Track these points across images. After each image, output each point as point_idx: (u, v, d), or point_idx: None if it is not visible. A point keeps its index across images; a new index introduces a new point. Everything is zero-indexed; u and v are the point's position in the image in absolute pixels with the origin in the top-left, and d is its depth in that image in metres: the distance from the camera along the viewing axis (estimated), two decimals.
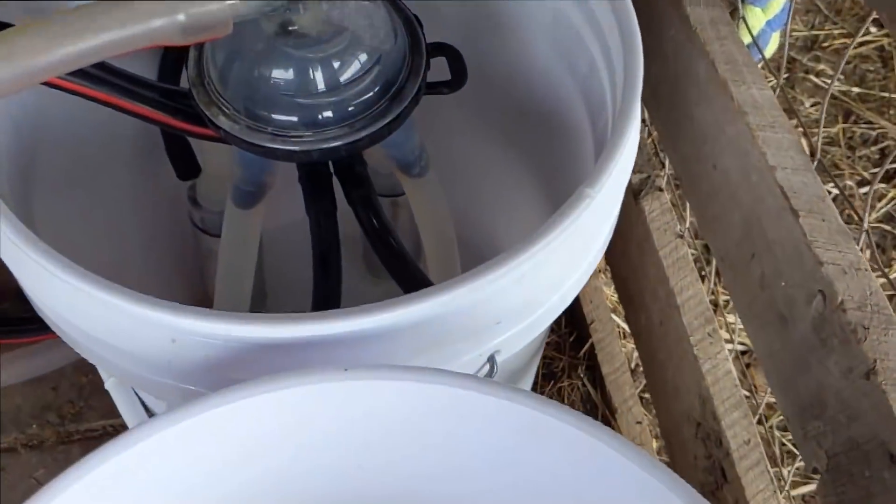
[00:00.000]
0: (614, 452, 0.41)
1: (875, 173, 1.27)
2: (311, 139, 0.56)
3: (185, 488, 0.45)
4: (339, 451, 0.47)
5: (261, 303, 0.83)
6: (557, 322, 0.96)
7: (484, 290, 0.47)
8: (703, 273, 0.81)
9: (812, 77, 1.37)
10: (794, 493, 0.96)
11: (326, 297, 0.59)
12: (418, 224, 0.70)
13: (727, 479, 0.71)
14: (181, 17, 0.47)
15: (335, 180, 0.62)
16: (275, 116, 0.56)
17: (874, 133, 1.32)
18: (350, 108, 0.56)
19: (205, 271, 0.80)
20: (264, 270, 0.81)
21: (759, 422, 0.72)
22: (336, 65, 0.55)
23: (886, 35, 1.40)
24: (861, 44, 1.40)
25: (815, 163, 0.59)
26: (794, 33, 1.41)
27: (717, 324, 0.75)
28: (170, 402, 0.55)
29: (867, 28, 1.31)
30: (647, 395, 1.02)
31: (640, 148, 0.60)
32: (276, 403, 0.43)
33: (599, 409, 0.99)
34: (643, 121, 0.80)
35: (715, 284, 0.84)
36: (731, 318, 1.06)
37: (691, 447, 0.75)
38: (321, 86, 0.55)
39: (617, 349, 1.00)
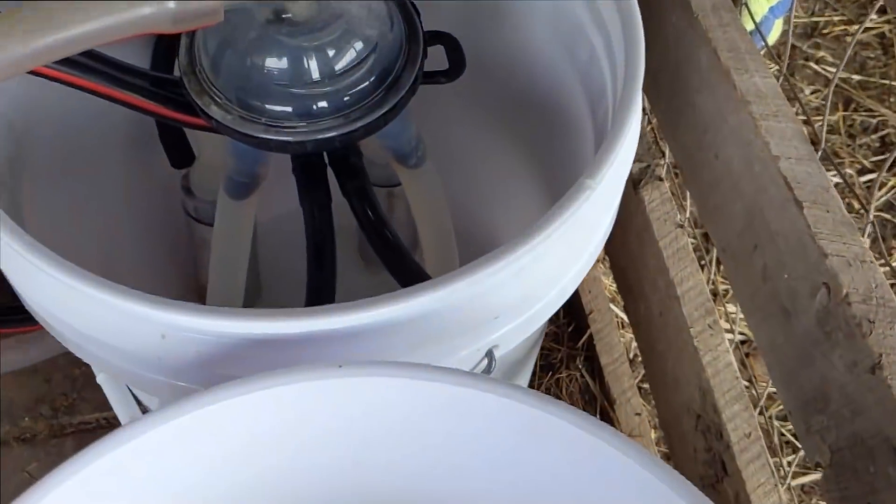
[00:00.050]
0: (615, 451, 0.40)
1: (876, 162, 1.27)
2: (305, 130, 0.55)
3: (182, 486, 0.45)
4: (336, 449, 0.46)
5: (256, 296, 0.82)
6: (556, 312, 0.95)
7: (482, 284, 0.46)
8: (703, 262, 0.80)
9: (812, 64, 1.36)
10: (793, 483, 0.96)
11: (320, 290, 0.58)
12: (415, 216, 0.69)
13: (727, 473, 0.70)
14: (171, 4, 0.46)
15: (330, 171, 0.61)
16: (268, 106, 0.55)
17: (874, 121, 1.31)
18: (345, 98, 0.55)
19: (198, 261, 0.79)
20: (259, 262, 0.80)
21: (760, 412, 0.72)
22: (331, 53, 0.54)
23: (887, 22, 1.39)
24: (862, 30, 1.39)
25: (819, 152, 0.58)
26: (794, 20, 1.39)
27: (717, 315, 0.74)
28: (162, 399, 0.54)
29: (868, 14, 1.30)
30: (645, 386, 1.01)
31: (639, 137, 0.59)
32: (269, 401, 0.42)
33: (598, 400, 0.98)
34: (643, 109, 0.79)
35: (714, 274, 0.83)
36: (730, 308, 1.05)
37: (691, 439, 0.75)
38: (315, 75, 0.54)
39: (615, 340, 0.99)
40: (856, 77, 1.35)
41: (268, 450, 0.45)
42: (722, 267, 0.68)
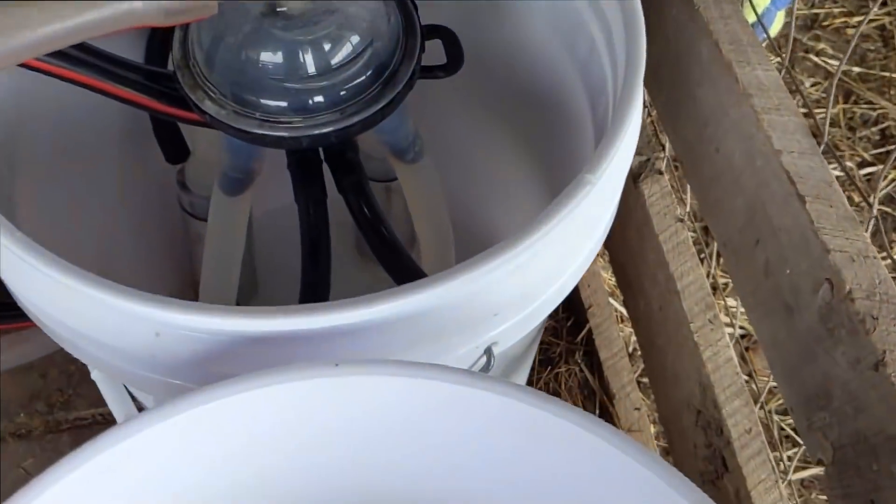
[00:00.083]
0: (615, 450, 0.40)
1: (876, 154, 1.26)
2: (300, 125, 0.54)
3: (181, 485, 0.44)
4: (335, 448, 0.46)
5: (252, 292, 0.82)
6: None
7: (480, 281, 0.45)
8: (703, 256, 0.80)
9: (812, 56, 1.35)
10: (793, 477, 0.96)
11: (315, 287, 0.58)
12: (412, 212, 0.69)
13: (728, 469, 0.70)
14: None
15: (325, 167, 0.60)
16: (263, 101, 0.54)
17: (874, 114, 1.31)
18: (341, 93, 0.55)
19: (194, 256, 0.79)
20: (255, 258, 0.79)
21: (760, 407, 0.71)
22: (326, 47, 0.54)
23: (888, 14, 1.38)
24: (861, 23, 1.38)
25: (822, 146, 0.57)
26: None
27: (717, 310, 0.74)
28: (157, 397, 0.53)
29: (868, 6, 1.29)
30: (645, 380, 1.01)
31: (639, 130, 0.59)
32: (265, 400, 0.42)
33: (597, 395, 0.98)
34: (643, 102, 0.78)
35: (714, 268, 0.82)
36: (731, 302, 1.05)
37: (691, 435, 0.75)
38: (311, 69, 0.54)
39: (615, 334, 0.99)
40: (856, 69, 1.34)
41: (266, 449, 0.45)
42: (722, 260, 0.68)
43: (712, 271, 0.82)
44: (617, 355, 0.98)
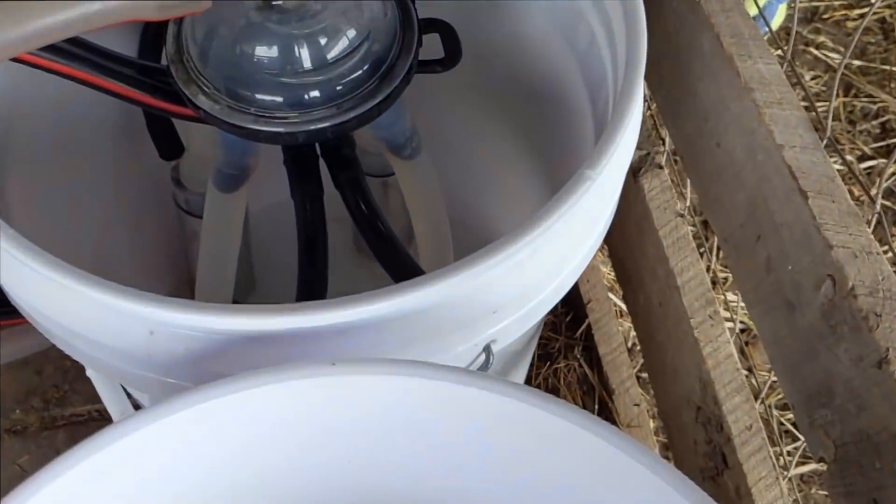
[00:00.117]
0: (617, 451, 0.40)
1: (877, 148, 1.25)
2: (296, 120, 0.54)
3: (181, 485, 0.44)
4: (333, 448, 0.46)
5: (250, 288, 0.81)
6: None
7: (479, 278, 0.45)
8: (702, 250, 0.79)
9: (812, 49, 1.34)
10: (793, 472, 0.95)
11: (312, 284, 0.57)
12: (409, 208, 0.68)
13: (728, 465, 0.69)
14: None
15: (322, 162, 0.59)
16: (258, 96, 0.54)
17: (875, 107, 1.30)
18: (338, 88, 0.54)
19: (190, 253, 0.78)
20: (251, 254, 0.79)
21: (761, 402, 0.71)
22: (322, 41, 0.53)
23: (888, 6, 1.37)
24: (862, 15, 1.37)
25: (825, 141, 0.56)
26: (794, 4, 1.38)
27: (717, 305, 0.73)
28: (152, 395, 0.53)
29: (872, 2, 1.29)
30: (644, 375, 1.00)
31: None
32: (260, 400, 0.42)
33: (596, 390, 0.97)
34: (643, 96, 0.78)
35: (713, 262, 0.82)
36: (730, 297, 1.05)
37: (691, 431, 0.74)
38: (307, 64, 0.53)
39: (614, 329, 0.98)
40: (856, 62, 1.34)
41: (266, 449, 0.45)
42: (722, 255, 0.67)
43: (713, 266, 0.82)
44: (616, 350, 0.98)
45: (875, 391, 0.49)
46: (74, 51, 0.53)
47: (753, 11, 0.66)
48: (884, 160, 1.24)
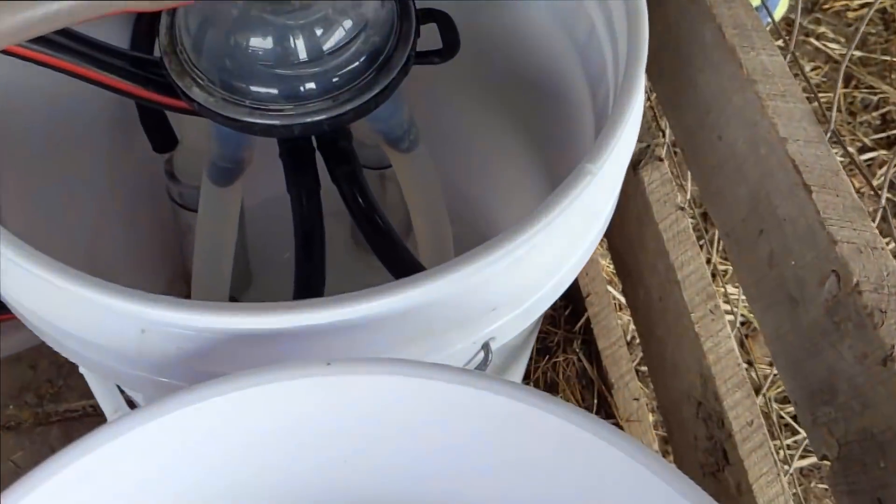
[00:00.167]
0: (620, 453, 0.39)
1: (877, 140, 1.25)
2: (292, 113, 0.53)
3: (181, 485, 0.44)
4: (333, 449, 0.45)
5: (246, 283, 0.80)
6: None
7: (479, 274, 0.44)
8: (702, 242, 0.78)
9: (812, 40, 1.33)
10: (794, 467, 0.95)
11: (309, 279, 0.56)
12: (408, 202, 0.67)
13: (729, 462, 0.69)
14: None
15: (318, 155, 0.58)
16: (253, 88, 0.53)
17: (875, 98, 1.29)
18: (334, 80, 0.53)
19: (185, 247, 0.78)
20: (248, 248, 0.78)
21: (763, 395, 0.70)
22: (318, 32, 0.52)
23: None
24: (863, 5, 1.36)
25: (829, 134, 0.56)
26: None
27: (718, 300, 0.73)
28: (145, 395, 0.52)
29: None
30: (643, 368, 1.00)
31: None
32: (256, 400, 0.41)
33: (595, 384, 0.97)
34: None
35: (713, 254, 0.81)
36: (730, 290, 1.04)
37: (691, 427, 0.74)
38: (302, 55, 0.52)
39: (613, 323, 0.98)
40: (857, 53, 1.33)
41: (267, 449, 0.44)
42: (722, 247, 0.67)
43: (713, 259, 0.81)
44: (615, 344, 0.97)
45: (880, 389, 0.48)
46: (65, 42, 0.52)
47: (756, 2, 0.65)
48: (884, 151, 1.24)
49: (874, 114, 1.28)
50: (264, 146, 0.61)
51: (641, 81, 0.51)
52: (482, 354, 0.49)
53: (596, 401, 0.96)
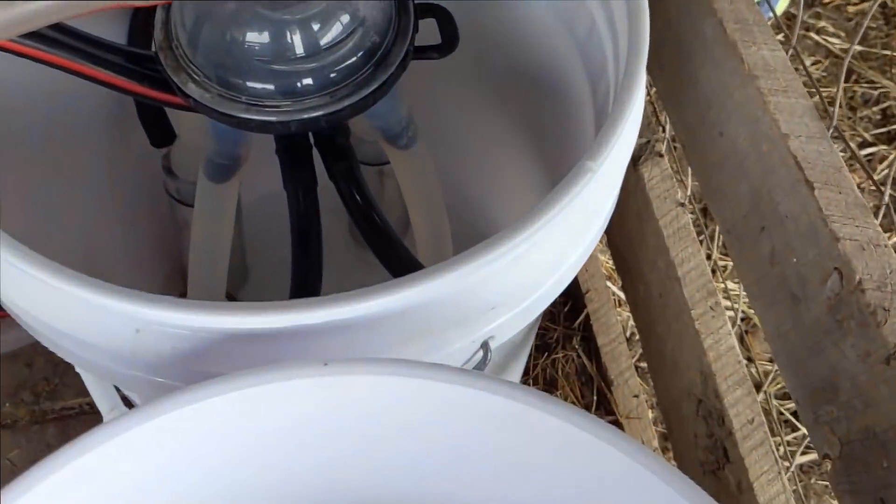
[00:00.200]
0: (622, 455, 0.39)
1: (877, 135, 1.24)
2: (288, 109, 0.52)
3: (179, 485, 0.44)
4: (333, 449, 0.45)
5: (243, 279, 0.80)
6: None
7: (478, 273, 0.44)
8: (702, 238, 0.78)
9: (813, 35, 1.33)
10: (794, 464, 0.95)
11: (306, 276, 0.56)
12: (406, 199, 0.67)
13: (729, 460, 0.69)
14: None
15: (315, 152, 0.58)
16: (249, 84, 0.52)
17: (876, 93, 1.29)
18: (331, 75, 0.53)
19: (182, 243, 0.77)
20: (245, 244, 0.77)
21: (761, 389, 0.70)
22: (315, 27, 0.52)
23: None
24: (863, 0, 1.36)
25: (831, 129, 0.55)
26: None
27: (719, 297, 0.72)
28: (141, 395, 0.51)
29: None
30: (643, 364, 0.99)
31: None
32: (252, 401, 0.41)
33: (595, 381, 0.96)
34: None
35: (714, 250, 0.81)
36: (730, 285, 1.04)
37: (691, 424, 0.73)
38: (299, 50, 0.52)
39: (613, 319, 0.97)
40: (857, 48, 1.32)
41: (265, 449, 0.44)
42: (722, 242, 0.66)
43: (714, 254, 0.81)
44: (615, 341, 0.97)
45: (882, 388, 0.48)
46: (59, 38, 0.51)
47: None
48: (885, 146, 1.23)
49: (874, 108, 1.28)
50: (263, 142, 0.60)
51: (642, 78, 0.50)
52: (481, 353, 0.48)
53: (595, 397, 0.96)
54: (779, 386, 1.03)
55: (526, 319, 0.50)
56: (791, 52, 0.59)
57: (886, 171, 1.20)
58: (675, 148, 0.81)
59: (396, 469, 0.46)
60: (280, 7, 0.51)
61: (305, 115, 0.53)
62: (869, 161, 1.23)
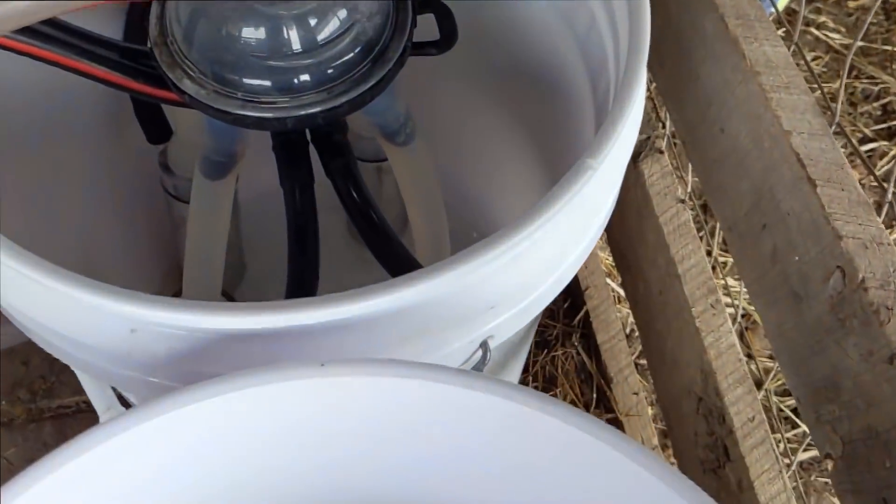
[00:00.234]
0: (623, 457, 0.38)
1: (878, 130, 1.24)
2: (285, 105, 0.52)
3: (178, 486, 0.43)
4: (333, 449, 0.45)
5: (240, 276, 0.79)
6: None
7: (477, 272, 0.43)
8: (702, 234, 0.78)
9: (813, 30, 1.32)
10: (795, 462, 0.95)
11: (303, 273, 0.55)
12: (404, 197, 0.66)
13: (730, 458, 0.68)
14: None
15: (312, 149, 0.57)
16: (245, 80, 0.52)
17: (876, 88, 1.28)
18: (328, 72, 0.52)
19: (179, 239, 0.77)
20: (242, 242, 0.77)
21: (762, 387, 0.70)
22: (312, 22, 0.51)
23: None
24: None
25: (833, 126, 0.54)
26: None
27: (719, 294, 0.72)
28: (137, 395, 0.51)
29: None
30: (643, 362, 0.99)
31: None
32: (250, 401, 0.40)
33: (594, 378, 0.96)
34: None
35: (714, 246, 0.80)
36: (731, 282, 1.03)
37: (692, 423, 0.73)
38: (296, 46, 0.51)
39: (612, 316, 0.97)
40: (858, 43, 1.31)
41: (265, 449, 0.44)
42: (722, 238, 0.66)
43: (714, 251, 0.80)
44: (615, 338, 0.96)
45: (885, 387, 0.47)
46: (51, 33, 0.51)
47: None
48: (885, 142, 1.23)
49: (875, 104, 1.27)
50: (259, 140, 0.60)
51: (643, 76, 0.50)
52: (480, 353, 0.48)
53: (595, 395, 0.95)
54: (779, 383, 1.03)
55: (525, 319, 0.49)
56: (793, 47, 0.59)
57: (887, 168, 1.20)
58: (675, 144, 0.81)
59: (396, 470, 0.45)
60: (276, 2, 0.51)
61: (302, 112, 0.52)
62: (869, 157, 1.22)
